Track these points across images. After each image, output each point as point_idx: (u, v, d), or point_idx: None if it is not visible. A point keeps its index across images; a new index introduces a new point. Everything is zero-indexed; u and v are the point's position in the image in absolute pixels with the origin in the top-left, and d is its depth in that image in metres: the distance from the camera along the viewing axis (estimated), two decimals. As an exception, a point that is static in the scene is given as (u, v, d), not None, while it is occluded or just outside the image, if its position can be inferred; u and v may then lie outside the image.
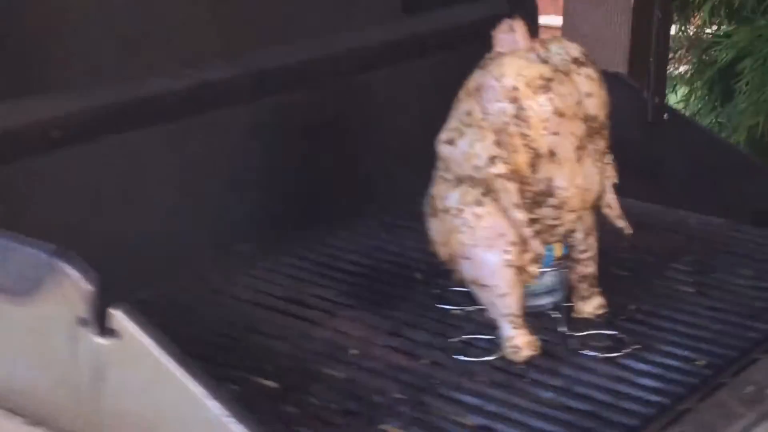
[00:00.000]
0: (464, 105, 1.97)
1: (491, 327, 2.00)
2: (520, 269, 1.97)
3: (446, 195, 1.99)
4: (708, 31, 4.56)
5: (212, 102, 2.17)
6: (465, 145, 1.95)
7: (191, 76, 2.12)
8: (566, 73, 1.94)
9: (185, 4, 2.21)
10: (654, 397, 1.86)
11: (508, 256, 1.94)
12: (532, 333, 1.98)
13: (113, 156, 2.08)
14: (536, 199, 1.95)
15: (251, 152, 2.30)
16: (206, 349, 1.97)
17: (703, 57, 4.52)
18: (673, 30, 4.83)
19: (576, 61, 1.97)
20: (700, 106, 4.60)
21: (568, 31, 3.76)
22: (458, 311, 2.11)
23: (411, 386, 1.89)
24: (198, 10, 2.23)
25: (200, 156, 2.21)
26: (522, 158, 1.92)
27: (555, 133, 1.91)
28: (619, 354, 1.99)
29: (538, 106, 1.90)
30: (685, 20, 4.57)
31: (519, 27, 1.99)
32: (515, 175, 1.92)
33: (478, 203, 1.95)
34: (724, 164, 2.53)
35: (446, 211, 1.98)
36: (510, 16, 2.67)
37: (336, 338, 2.04)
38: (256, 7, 2.32)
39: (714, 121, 4.43)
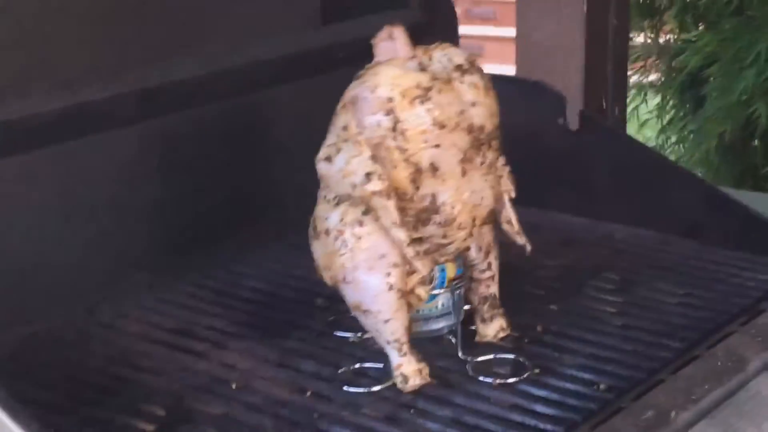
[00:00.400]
0: (341, 119, 1.85)
1: (384, 355, 1.88)
2: (406, 292, 1.84)
3: (327, 215, 1.87)
4: (676, 37, 4.44)
5: (91, 124, 2.05)
6: (342, 161, 1.83)
7: (63, 98, 2.00)
8: (447, 82, 1.82)
9: (56, 19, 2.09)
10: (547, 426, 1.74)
11: (391, 279, 1.82)
12: (420, 360, 1.85)
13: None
14: (420, 216, 1.83)
15: (141, 176, 2.18)
16: (80, 389, 1.87)
17: (672, 64, 4.39)
18: (641, 38, 4.72)
19: (459, 68, 1.85)
20: (671, 114, 4.48)
21: (521, 40, 3.65)
22: (356, 339, 1.99)
23: (289, 421, 1.77)
24: (71, 25, 2.11)
25: (82, 182, 2.09)
26: (402, 174, 1.80)
27: (436, 146, 1.79)
28: (516, 379, 1.86)
29: (416, 117, 1.78)
30: (654, 27, 4.45)
31: (399, 34, 1.87)
32: (395, 192, 1.80)
33: (359, 223, 1.83)
34: (652, 174, 2.40)
35: (327, 232, 1.86)
36: (429, 25, 2.59)
37: (219, 371, 1.92)
38: (140, 20, 2.20)
39: (683, 128, 4.31)
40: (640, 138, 4.93)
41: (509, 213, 1.96)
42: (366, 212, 1.82)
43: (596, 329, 2.03)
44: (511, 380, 1.86)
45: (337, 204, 1.86)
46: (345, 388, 1.85)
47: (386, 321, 1.83)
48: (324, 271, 1.89)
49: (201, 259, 2.26)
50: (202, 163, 2.27)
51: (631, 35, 4.78)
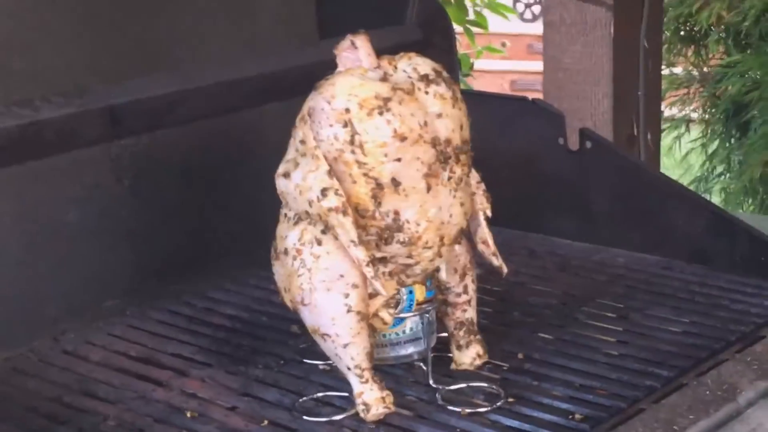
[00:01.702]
0: (299, 132, 1.75)
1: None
2: (369, 315, 1.74)
3: (286, 234, 1.77)
4: (719, 62, 4.31)
5: (53, 144, 1.97)
6: (298, 177, 1.73)
7: (21, 116, 1.92)
8: (409, 92, 1.71)
9: (17, 35, 2.02)
10: (514, 457, 1.62)
11: (350, 300, 1.72)
12: (383, 388, 1.74)
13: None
14: (383, 235, 1.72)
15: (112, 198, 2.10)
16: (31, 418, 1.79)
17: (716, 93, 4.26)
18: (681, 67, 4.60)
19: (424, 78, 1.74)
20: (716, 144, 4.34)
21: (549, 64, 3.54)
22: (326, 366, 1.88)
23: (239, 452, 1.67)
24: (34, 40, 2.04)
25: (45, 204, 2.01)
26: (361, 189, 1.69)
27: (397, 160, 1.68)
28: (488, 408, 1.74)
29: (374, 129, 1.67)
30: (696, 54, 4.32)
31: (362, 43, 1.77)
32: (354, 209, 1.69)
33: (317, 242, 1.73)
34: (656, 197, 2.27)
35: (286, 252, 1.76)
36: (426, 42, 2.49)
37: (177, 400, 1.83)
38: (107, 38, 2.12)
39: (727, 157, 4.17)
40: (683, 168, 4.82)
41: (485, 233, 1.85)
42: (325, 231, 1.72)
43: (583, 357, 1.91)
44: (481, 409, 1.74)
45: (297, 222, 1.76)
46: (305, 417, 1.74)
47: (345, 345, 1.72)
48: (284, 294, 1.79)
49: (177, 285, 2.17)
50: (178, 184, 2.18)
51: (673, 63, 4.68)
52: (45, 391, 1.87)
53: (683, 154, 4.61)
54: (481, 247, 1.86)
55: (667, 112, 4.81)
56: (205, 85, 2.18)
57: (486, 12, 5.66)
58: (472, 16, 5.48)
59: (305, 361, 1.92)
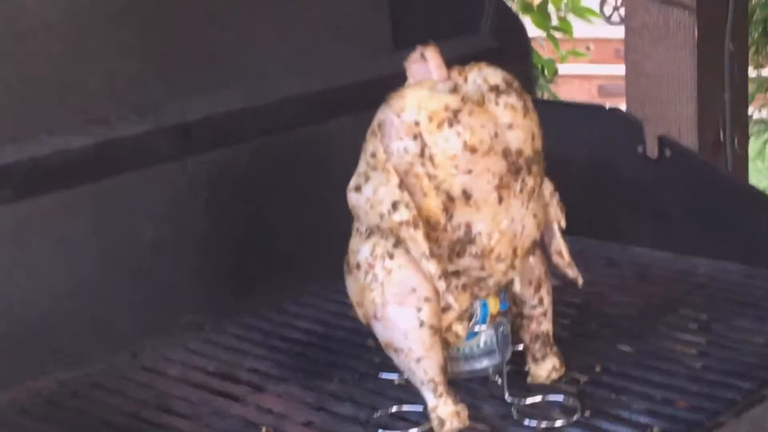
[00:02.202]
0: (369, 146, 1.74)
1: (427, 396, 1.76)
2: (441, 329, 1.72)
3: (358, 249, 1.76)
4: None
5: (128, 161, 1.98)
6: (369, 190, 1.72)
7: (97, 134, 1.93)
8: (479, 103, 1.69)
9: (92, 52, 2.04)
10: (590, 472, 1.60)
11: (422, 315, 1.70)
12: (458, 402, 1.72)
13: (18, 225, 1.91)
14: (455, 247, 1.70)
15: (187, 213, 2.10)
16: (107, 432, 1.80)
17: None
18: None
19: (495, 89, 1.72)
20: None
21: (631, 70, 3.49)
22: (401, 380, 1.87)
23: (312, 467, 1.66)
24: (108, 57, 2.05)
25: (121, 220, 2.02)
26: (432, 202, 1.68)
27: (468, 172, 1.67)
28: (563, 423, 1.72)
29: (444, 141, 1.66)
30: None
31: (432, 55, 1.76)
32: (424, 222, 1.68)
33: (389, 256, 1.72)
34: (737, 204, 2.23)
35: (358, 266, 1.75)
36: (501, 51, 2.47)
37: (252, 415, 1.83)
38: (179, 54, 2.13)
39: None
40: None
41: (559, 244, 1.83)
42: (397, 244, 1.71)
43: (662, 369, 1.87)
44: (558, 424, 1.72)
45: (369, 236, 1.75)
46: (380, 431, 1.73)
47: (419, 360, 1.71)
48: (357, 308, 1.78)
49: (254, 299, 2.17)
50: (252, 198, 2.18)
51: (762, 65, 4.59)
52: (123, 407, 1.88)
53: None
54: (555, 258, 1.84)
55: (756, 115, 4.73)
56: (277, 99, 2.18)
57: (570, 17, 5.60)
58: (555, 21, 5.43)
59: (380, 375, 1.91)
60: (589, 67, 9.67)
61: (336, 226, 2.22)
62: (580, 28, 5.95)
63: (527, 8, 5.12)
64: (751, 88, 4.54)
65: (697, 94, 3.35)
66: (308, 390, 1.89)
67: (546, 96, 5.15)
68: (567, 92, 8.47)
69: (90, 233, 2.00)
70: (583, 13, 5.65)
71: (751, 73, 4.54)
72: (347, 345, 2.04)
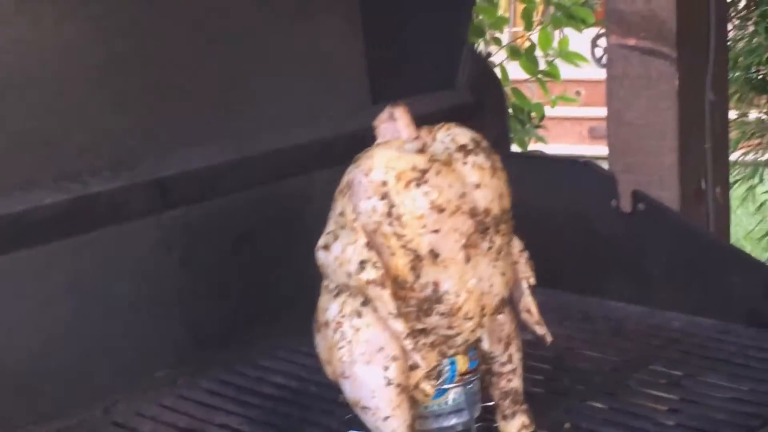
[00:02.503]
0: (338, 205, 1.75)
1: (396, 455, 1.76)
2: (408, 387, 1.72)
3: (327, 307, 1.77)
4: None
5: (102, 217, 1.99)
6: (338, 249, 1.73)
7: (71, 190, 1.94)
8: (447, 163, 1.70)
9: (68, 109, 2.05)
10: None
11: (389, 373, 1.70)
12: (425, 461, 1.73)
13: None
14: (423, 306, 1.71)
15: (162, 269, 2.11)
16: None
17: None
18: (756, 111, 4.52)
19: (462, 148, 1.73)
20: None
21: (612, 119, 3.50)
22: (371, 437, 1.87)
23: None
24: (84, 113, 2.06)
25: (96, 276, 2.03)
26: (400, 261, 1.69)
27: (435, 231, 1.68)
28: (532, 483, 1.72)
29: (411, 201, 1.67)
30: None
31: (401, 114, 1.77)
32: (392, 281, 1.69)
33: (357, 314, 1.72)
34: (712, 259, 2.23)
35: (327, 324, 1.76)
36: (477, 105, 2.49)
37: (219, 473, 1.83)
38: (155, 110, 2.14)
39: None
40: (757, 220, 4.73)
41: (528, 301, 1.83)
42: (365, 303, 1.72)
43: (633, 427, 1.88)
44: (526, 483, 1.72)
45: (337, 294, 1.76)
46: (343, 491, 1.74)
47: (386, 418, 1.71)
48: (326, 366, 1.79)
49: (228, 354, 2.17)
50: (228, 253, 2.19)
51: (745, 113, 4.61)
52: (92, 464, 1.89)
53: (757, 206, 4.56)
54: (524, 315, 1.84)
55: (740, 159, 4.73)
56: (254, 154, 2.20)
57: (559, 61, 5.62)
58: (543, 66, 5.46)
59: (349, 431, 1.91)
60: (579, 110, 9.70)
61: (311, 280, 2.23)
62: (571, 71, 5.96)
63: (515, 53, 5.15)
64: (735, 134, 4.57)
65: (678, 143, 3.36)
66: (277, 447, 1.90)
67: (534, 141, 5.17)
68: (557, 135, 8.50)
69: (64, 288, 2.01)
70: (571, 58, 5.67)
71: (735, 119, 4.56)
72: (319, 401, 2.04)
